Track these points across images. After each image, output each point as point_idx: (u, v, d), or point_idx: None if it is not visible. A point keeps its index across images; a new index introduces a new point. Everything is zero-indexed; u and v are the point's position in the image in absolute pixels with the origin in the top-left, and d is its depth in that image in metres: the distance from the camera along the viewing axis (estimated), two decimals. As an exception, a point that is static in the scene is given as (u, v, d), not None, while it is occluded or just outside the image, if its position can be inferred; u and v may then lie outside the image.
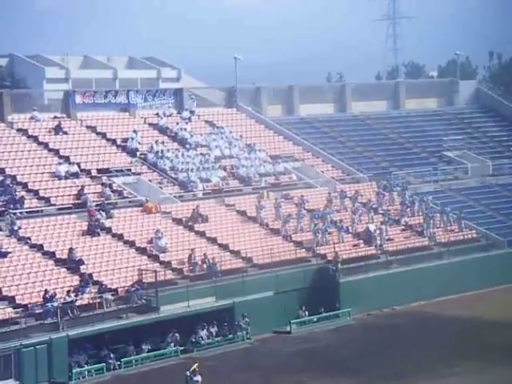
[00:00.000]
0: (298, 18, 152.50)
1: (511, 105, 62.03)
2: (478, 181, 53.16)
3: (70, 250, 35.40)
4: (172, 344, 34.12)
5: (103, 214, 38.71)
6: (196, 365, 28.13)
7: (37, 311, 32.02)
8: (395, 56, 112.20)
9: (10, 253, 34.62)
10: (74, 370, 31.45)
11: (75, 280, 34.23)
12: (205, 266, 37.25)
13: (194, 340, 34.65)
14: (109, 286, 34.25)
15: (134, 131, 45.79)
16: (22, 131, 43.42)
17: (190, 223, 40.51)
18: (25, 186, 39.45)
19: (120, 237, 38.04)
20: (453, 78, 64.17)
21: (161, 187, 42.52)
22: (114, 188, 41.03)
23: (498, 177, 53.98)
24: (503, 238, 46.55)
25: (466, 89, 63.05)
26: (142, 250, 37.56)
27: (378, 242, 42.95)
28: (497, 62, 77.50)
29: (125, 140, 45.24)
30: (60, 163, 41.55)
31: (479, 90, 64.01)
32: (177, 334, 34.21)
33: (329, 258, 40.62)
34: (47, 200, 38.87)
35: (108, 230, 38.19)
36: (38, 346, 30.66)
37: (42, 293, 32.52)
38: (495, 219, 49.21)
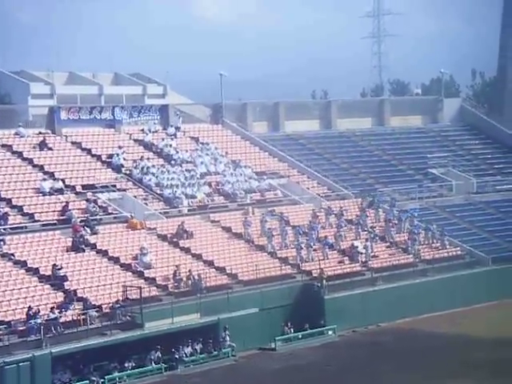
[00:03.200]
0: (281, 37, 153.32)
1: (495, 123, 62.45)
2: (462, 198, 53.39)
3: (54, 266, 35.19)
4: (156, 361, 33.91)
5: (88, 230, 38.53)
6: None
7: (20, 328, 31.76)
8: (380, 73, 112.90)
9: (-7, 269, 34.38)
10: (57, 388, 31.22)
11: (59, 296, 34.01)
12: (190, 282, 37.13)
13: (178, 357, 34.46)
14: (93, 303, 34.04)
15: (119, 147, 45.73)
16: (7, 147, 43.25)
17: (175, 239, 40.39)
18: (9, 201, 39.23)
19: (105, 253, 37.87)
20: (437, 95, 64.62)
21: (146, 203, 42.42)
22: (99, 204, 40.89)
23: (483, 194, 54.23)
24: (487, 255, 46.68)
25: (450, 107, 63.45)
26: (126, 267, 37.39)
27: (363, 259, 42.98)
28: (480, 80, 78.18)
29: (110, 156, 45.16)
30: (44, 179, 41.40)
31: (463, 107, 64.42)
32: (160, 351, 34.00)
33: (314, 275, 40.59)
34: (31, 216, 38.66)
35: (92, 246, 38.02)
36: (20, 364, 30.37)
37: (26, 309, 32.26)
38: (479, 236, 49.37)
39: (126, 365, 33.34)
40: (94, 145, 45.90)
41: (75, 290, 34.52)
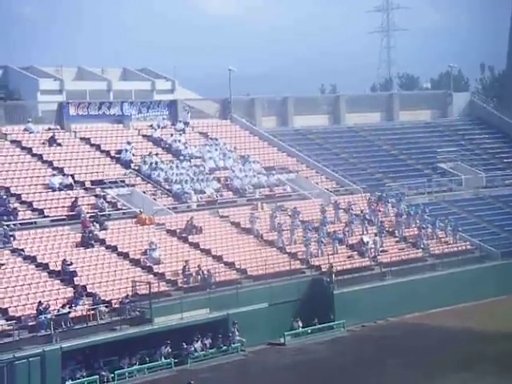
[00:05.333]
0: (289, 30, 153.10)
1: (504, 117, 62.29)
2: (471, 192, 53.30)
3: (64, 261, 35.31)
4: (166, 356, 34.00)
5: (97, 225, 38.64)
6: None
7: (30, 323, 31.88)
8: (389, 68, 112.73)
9: (3, 264, 34.49)
10: (67, 383, 31.31)
11: (69, 292, 34.13)
12: (199, 277, 37.20)
13: (187, 352, 34.54)
14: (102, 298, 34.14)
15: (128, 143, 45.79)
16: (16, 143, 43.38)
17: (184, 235, 40.46)
18: (18, 197, 39.35)
19: (114, 248, 37.97)
20: (446, 90, 64.46)
21: (155, 199, 42.49)
22: (108, 199, 40.98)
23: (492, 188, 54.15)
24: (497, 250, 46.60)
25: (460, 101, 63.34)
26: (135, 262, 37.48)
27: (372, 254, 42.97)
28: (489, 74, 77.98)
29: (119, 152, 45.24)
30: (54, 175, 41.51)
31: (472, 102, 64.30)
32: (170, 346, 34.09)
33: (323, 270, 40.60)
34: (41, 212, 38.78)
35: (102, 242, 38.12)
36: (31, 359, 30.50)
37: (36, 305, 32.39)
38: (489, 231, 49.30)
39: (136, 360, 33.44)
40: (103, 140, 45.97)
41: (85, 286, 34.63)
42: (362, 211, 45.95)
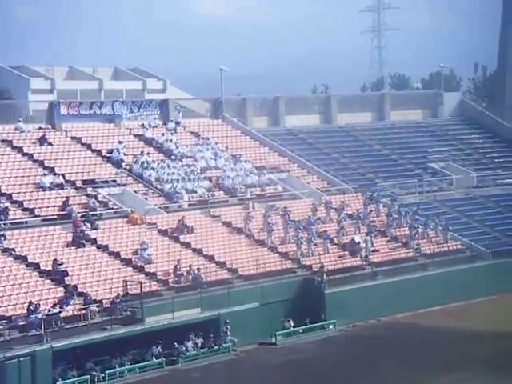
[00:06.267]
0: (281, 30, 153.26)
1: (495, 117, 62.46)
2: (462, 192, 53.43)
3: (55, 261, 35.24)
4: (157, 356, 33.98)
5: (88, 225, 38.58)
6: None
7: (20, 323, 31.82)
8: (380, 68, 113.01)
9: (-7, 264, 34.44)
10: (57, 383, 31.26)
11: (60, 291, 34.06)
12: (190, 277, 37.20)
13: (179, 352, 34.54)
14: (93, 298, 34.11)
15: (120, 142, 45.74)
16: (7, 142, 43.26)
17: (175, 234, 40.44)
18: (9, 197, 39.25)
19: (105, 248, 37.92)
20: (437, 89, 64.62)
21: (146, 198, 42.46)
22: (99, 199, 40.92)
23: (483, 188, 54.28)
24: (487, 250, 46.72)
25: (451, 101, 63.46)
26: (127, 262, 37.44)
27: (364, 254, 43.03)
28: (481, 74, 78.16)
29: (110, 151, 45.17)
30: (45, 174, 41.43)
31: (463, 101, 64.45)
32: (161, 346, 34.07)
33: (314, 269, 40.65)
34: (32, 211, 38.69)
35: (93, 241, 38.06)
36: (21, 359, 30.43)
37: (26, 304, 32.32)
38: (479, 230, 49.43)
39: (127, 359, 33.41)
40: (94, 140, 45.89)
41: (76, 285, 34.57)
42: (357, 210, 46.00)
